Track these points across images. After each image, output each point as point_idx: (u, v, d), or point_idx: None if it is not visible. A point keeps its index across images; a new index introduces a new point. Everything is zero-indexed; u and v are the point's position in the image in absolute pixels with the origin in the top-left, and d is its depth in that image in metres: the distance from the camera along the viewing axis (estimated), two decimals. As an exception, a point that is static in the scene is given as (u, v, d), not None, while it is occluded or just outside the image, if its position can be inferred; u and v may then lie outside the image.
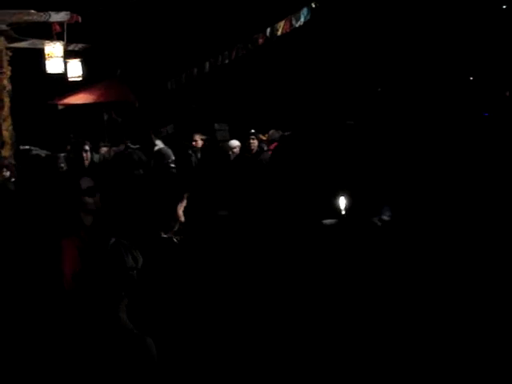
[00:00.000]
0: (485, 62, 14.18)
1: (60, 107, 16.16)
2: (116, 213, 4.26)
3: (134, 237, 3.75)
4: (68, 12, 11.23)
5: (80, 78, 13.64)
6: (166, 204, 3.76)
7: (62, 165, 8.18)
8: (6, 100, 12.12)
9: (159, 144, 12.34)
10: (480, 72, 14.37)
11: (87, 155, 8.77)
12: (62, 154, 10.33)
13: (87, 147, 8.88)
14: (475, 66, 14.47)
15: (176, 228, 3.77)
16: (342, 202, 5.22)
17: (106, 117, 16.44)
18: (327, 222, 5.20)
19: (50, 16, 11.06)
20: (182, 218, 3.81)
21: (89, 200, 3.71)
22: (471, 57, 14.26)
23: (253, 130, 11.14)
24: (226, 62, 14.70)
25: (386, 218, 5.65)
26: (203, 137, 12.21)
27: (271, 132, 11.28)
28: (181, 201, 3.82)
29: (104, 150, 13.00)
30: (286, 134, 9.97)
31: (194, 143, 11.46)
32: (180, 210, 3.80)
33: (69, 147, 11.65)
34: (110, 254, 3.21)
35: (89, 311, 3.12)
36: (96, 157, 11.26)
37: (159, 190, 3.81)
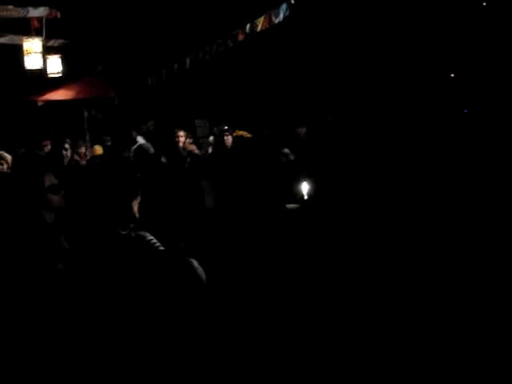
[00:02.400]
0: (465, 59, 14.28)
1: (39, 104, 16.06)
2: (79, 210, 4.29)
3: (93, 233, 3.78)
4: (47, 7, 11.23)
5: (60, 74, 13.62)
6: (121, 201, 3.76)
7: None
8: (-16, 96, 12.11)
9: (140, 140, 12.35)
10: (461, 69, 14.47)
11: (67, 153, 8.76)
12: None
13: (67, 145, 8.88)
14: (456, 63, 14.56)
15: (132, 225, 3.78)
16: (305, 188, 5.43)
17: (86, 113, 16.38)
18: (290, 206, 5.36)
19: (28, 11, 11.05)
20: (137, 215, 3.82)
21: (52, 197, 3.67)
22: (452, 54, 14.35)
23: (226, 127, 11.21)
24: (207, 57, 14.71)
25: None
26: (186, 133, 12.20)
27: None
28: (135, 197, 3.83)
29: (82, 149, 12.85)
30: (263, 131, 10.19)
31: (176, 139, 11.42)
32: (135, 207, 3.81)
33: (47, 143, 11.59)
34: None
35: None
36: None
37: (114, 187, 3.81)
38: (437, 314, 4.70)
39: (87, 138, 15.33)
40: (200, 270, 3.70)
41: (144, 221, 3.89)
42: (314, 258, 4.90)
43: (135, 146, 10.34)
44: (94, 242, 3.71)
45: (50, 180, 3.68)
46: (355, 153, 7.35)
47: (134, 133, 12.84)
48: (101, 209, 3.76)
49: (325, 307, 4.64)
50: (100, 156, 11.27)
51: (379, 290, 4.93)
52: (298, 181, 5.53)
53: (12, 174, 5.17)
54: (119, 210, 3.72)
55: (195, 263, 3.72)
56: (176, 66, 15.64)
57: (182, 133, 11.51)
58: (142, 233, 3.71)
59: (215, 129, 13.18)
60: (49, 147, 11.31)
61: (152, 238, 3.71)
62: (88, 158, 12.05)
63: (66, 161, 8.70)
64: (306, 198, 5.42)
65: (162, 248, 3.68)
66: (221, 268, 4.30)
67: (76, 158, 10.58)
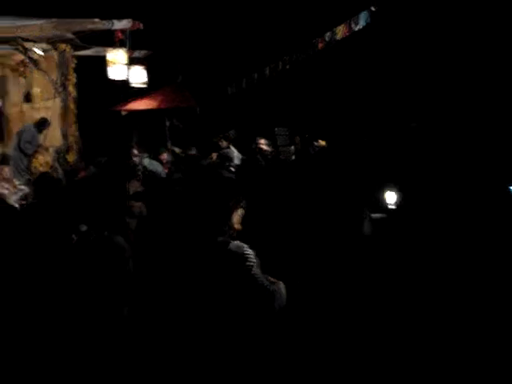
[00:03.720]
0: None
1: (123, 113, 16.48)
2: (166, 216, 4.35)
3: (189, 239, 3.83)
4: (130, 19, 11.46)
5: (143, 85, 13.88)
6: (222, 211, 3.80)
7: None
8: (72, 106, 12.49)
9: (232, 149, 12.57)
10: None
11: (135, 160, 8.96)
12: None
13: (136, 151, 9.07)
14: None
15: (230, 234, 3.80)
16: (391, 197, 5.33)
17: (167, 122, 16.68)
18: (376, 215, 5.27)
19: (113, 24, 11.33)
20: (237, 226, 3.84)
21: (135, 204, 3.73)
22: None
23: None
24: (287, 66, 14.76)
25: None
26: (267, 141, 12.30)
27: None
28: (236, 209, 3.86)
29: (164, 156, 13.17)
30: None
31: (258, 147, 11.54)
32: (235, 218, 3.84)
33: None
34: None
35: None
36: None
37: (216, 197, 3.86)
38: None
39: (169, 146, 15.60)
40: (282, 297, 3.71)
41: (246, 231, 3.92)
42: (397, 268, 4.82)
43: (219, 152, 10.56)
44: (190, 247, 3.78)
45: (134, 187, 3.75)
46: (440, 161, 7.19)
47: (225, 142, 13.01)
48: (202, 217, 3.82)
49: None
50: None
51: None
52: (385, 190, 5.46)
53: (95, 180, 5.30)
54: (217, 219, 3.77)
55: (281, 289, 3.73)
56: (256, 75, 15.74)
57: (262, 140, 11.59)
58: (239, 243, 3.74)
59: (297, 138, 13.23)
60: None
61: (248, 250, 3.74)
62: (169, 165, 12.29)
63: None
64: (391, 207, 5.34)
65: (252, 261, 3.71)
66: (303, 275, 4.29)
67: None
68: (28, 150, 12.19)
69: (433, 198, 5.87)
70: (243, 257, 3.69)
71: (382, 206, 5.42)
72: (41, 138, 12.55)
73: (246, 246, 3.75)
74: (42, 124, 12.45)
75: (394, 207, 5.33)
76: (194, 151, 13.17)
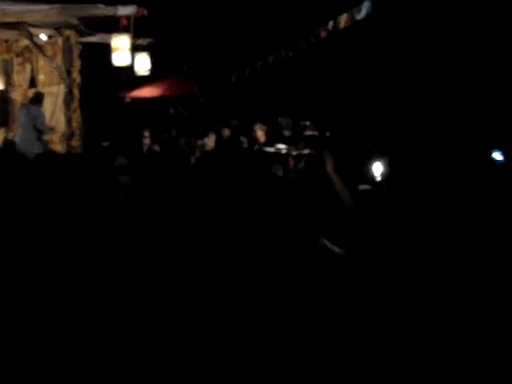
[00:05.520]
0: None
1: (127, 100, 16.60)
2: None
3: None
4: (135, 6, 11.55)
5: (147, 72, 13.96)
6: None
7: None
8: (76, 92, 12.59)
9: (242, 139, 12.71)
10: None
11: (146, 141, 9.08)
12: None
13: (146, 134, 9.19)
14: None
15: None
16: (378, 169, 5.36)
17: (172, 110, 16.79)
18: (362, 187, 5.31)
19: (117, 10, 11.41)
20: None
21: (121, 178, 3.84)
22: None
23: (308, 122, 11.33)
24: (290, 55, 14.84)
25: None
26: (264, 127, 12.43)
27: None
28: None
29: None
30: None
31: (253, 134, 11.65)
32: None
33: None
34: None
35: None
36: None
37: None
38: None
39: (173, 134, 15.71)
40: None
41: None
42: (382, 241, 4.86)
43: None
44: None
45: (119, 162, 3.87)
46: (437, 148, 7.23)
47: (227, 131, 13.11)
48: None
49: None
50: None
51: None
52: (371, 162, 5.47)
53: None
54: None
55: None
56: (259, 63, 15.82)
57: (258, 126, 11.74)
58: None
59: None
60: None
61: None
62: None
63: (144, 148, 9.01)
64: (378, 179, 5.37)
65: None
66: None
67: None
68: (39, 124, 12.13)
69: (421, 171, 5.89)
70: None
71: (368, 178, 5.45)
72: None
73: None
74: (38, 98, 12.46)
75: (380, 179, 5.36)
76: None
